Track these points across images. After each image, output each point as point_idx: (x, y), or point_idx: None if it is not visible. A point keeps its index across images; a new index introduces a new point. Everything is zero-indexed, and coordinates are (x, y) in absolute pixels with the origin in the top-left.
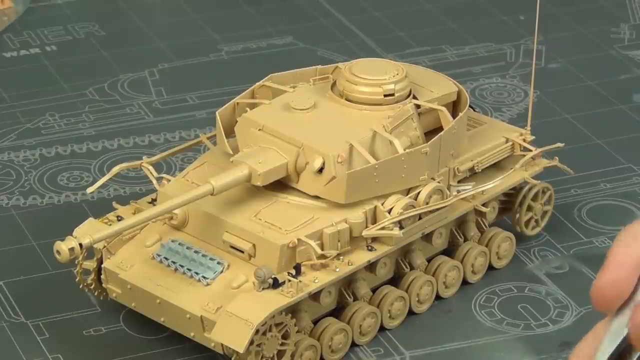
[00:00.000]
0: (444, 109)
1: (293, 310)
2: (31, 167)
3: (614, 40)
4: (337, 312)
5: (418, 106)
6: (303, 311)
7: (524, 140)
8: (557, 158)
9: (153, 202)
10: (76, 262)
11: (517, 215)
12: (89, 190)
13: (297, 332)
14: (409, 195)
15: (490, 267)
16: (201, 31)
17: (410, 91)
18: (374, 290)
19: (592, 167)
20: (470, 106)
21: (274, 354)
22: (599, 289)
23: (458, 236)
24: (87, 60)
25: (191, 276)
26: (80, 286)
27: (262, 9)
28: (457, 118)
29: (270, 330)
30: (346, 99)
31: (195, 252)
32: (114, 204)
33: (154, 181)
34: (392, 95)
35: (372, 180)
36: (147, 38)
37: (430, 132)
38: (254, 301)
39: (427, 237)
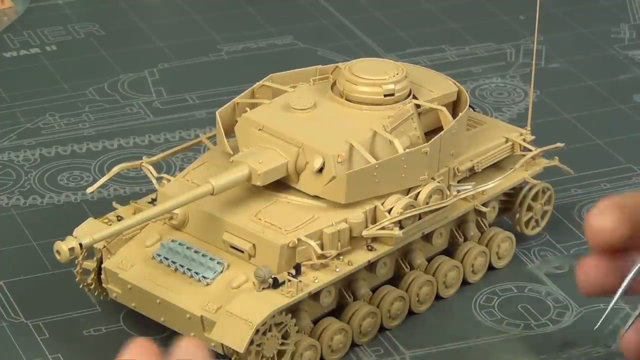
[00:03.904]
0: (444, 109)
1: (293, 310)
2: (31, 167)
3: (614, 40)
4: (337, 312)
5: (418, 106)
6: (303, 311)
7: (524, 140)
8: (557, 158)
9: (153, 202)
10: (76, 262)
11: (517, 215)
12: (89, 190)
13: (297, 332)
14: (409, 195)
15: (490, 267)
16: (201, 31)
17: (410, 91)
18: (374, 290)
19: (592, 167)
20: (470, 106)
21: (274, 354)
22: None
23: (458, 236)
24: (87, 60)
25: (191, 276)
26: (80, 286)
27: (263, 8)
28: (457, 118)
29: (270, 330)
30: (346, 99)
31: (195, 252)
32: (114, 204)
33: (154, 181)
34: (392, 95)
35: (372, 180)
36: (147, 38)
37: (430, 132)
38: (254, 301)
39: (427, 237)
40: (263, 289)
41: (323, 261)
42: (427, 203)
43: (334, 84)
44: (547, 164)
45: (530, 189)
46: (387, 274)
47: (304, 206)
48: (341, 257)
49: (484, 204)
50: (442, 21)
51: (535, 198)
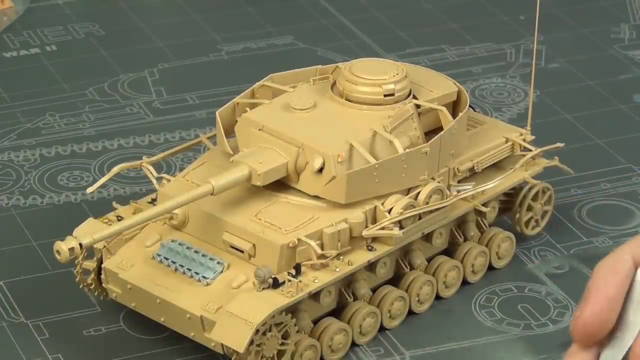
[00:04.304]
0: (444, 109)
1: (293, 310)
2: (31, 167)
3: (614, 40)
4: (337, 312)
5: (418, 106)
6: (303, 311)
7: (524, 140)
8: (557, 158)
9: (153, 202)
10: (76, 262)
11: (517, 215)
12: (89, 190)
13: (297, 332)
14: (409, 195)
15: (490, 267)
16: (201, 31)
17: (410, 91)
18: (374, 290)
19: (592, 167)
20: (470, 106)
21: (274, 354)
22: (582, 324)
23: (458, 236)
24: (87, 60)
25: (191, 276)
26: (80, 286)
27: (263, 8)
28: (457, 118)
29: (270, 330)
30: (346, 99)
31: (195, 252)
32: (114, 204)
33: (154, 181)
34: (392, 95)
35: (372, 180)
36: (147, 38)
37: (430, 132)
38: (254, 301)
39: (427, 237)
40: (263, 289)
41: (323, 261)
42: (427, 203)
43: (334, 84)
44: (547, 164)
45: (530, 189)
46: (387, 274)
47: (304, 206)
48: (341, 257)
49: (484, 204)
50: (442, 21)
51: (535, 198)
